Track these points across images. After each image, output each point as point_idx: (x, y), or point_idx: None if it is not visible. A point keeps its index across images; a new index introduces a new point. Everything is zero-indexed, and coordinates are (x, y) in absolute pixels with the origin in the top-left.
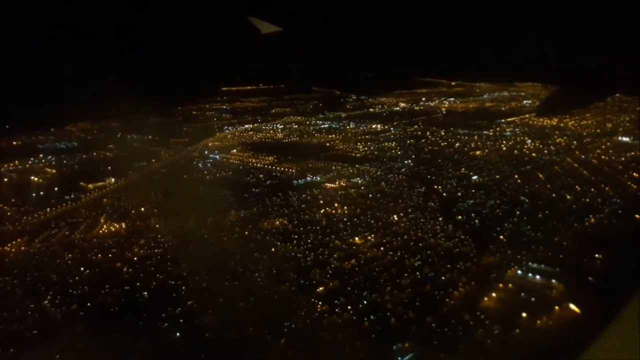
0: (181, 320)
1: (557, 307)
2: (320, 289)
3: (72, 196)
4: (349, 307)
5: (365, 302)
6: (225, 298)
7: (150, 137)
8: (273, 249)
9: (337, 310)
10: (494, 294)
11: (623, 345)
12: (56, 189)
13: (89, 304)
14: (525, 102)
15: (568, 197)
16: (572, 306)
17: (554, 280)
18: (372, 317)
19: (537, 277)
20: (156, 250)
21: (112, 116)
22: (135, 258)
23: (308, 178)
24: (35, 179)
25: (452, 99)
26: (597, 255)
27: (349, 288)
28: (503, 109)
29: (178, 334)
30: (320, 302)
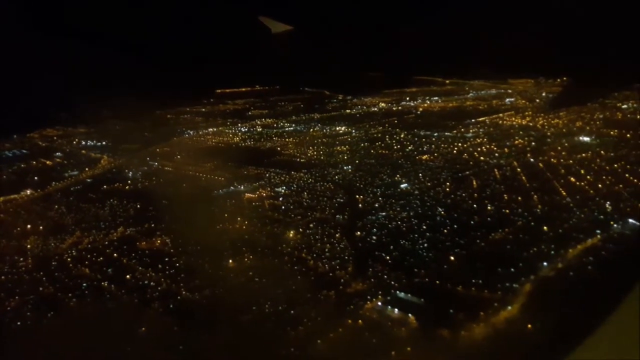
0: None
1: (393, 352)
2: (143, 329)
3: None
4: (165, 354)
5: (183, 347)
6: (47, 335)
7: (103, 143)
8: (128, 276)
9: (149, 357)
10: (332, 335)
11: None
12: None
13: None
14: (507, 100)
15: (489, 207)
16: (410, 350)
17: (411, 315)
18: None
19: (396, 310)
20: (2, 278)
21: (85, 122)
22: None
23: (231, 188)
24: None
25: (436, 98)
26: (473, 281)
27: (177, 329)
28: (481, 107)
29: None
30: (137, 347)
